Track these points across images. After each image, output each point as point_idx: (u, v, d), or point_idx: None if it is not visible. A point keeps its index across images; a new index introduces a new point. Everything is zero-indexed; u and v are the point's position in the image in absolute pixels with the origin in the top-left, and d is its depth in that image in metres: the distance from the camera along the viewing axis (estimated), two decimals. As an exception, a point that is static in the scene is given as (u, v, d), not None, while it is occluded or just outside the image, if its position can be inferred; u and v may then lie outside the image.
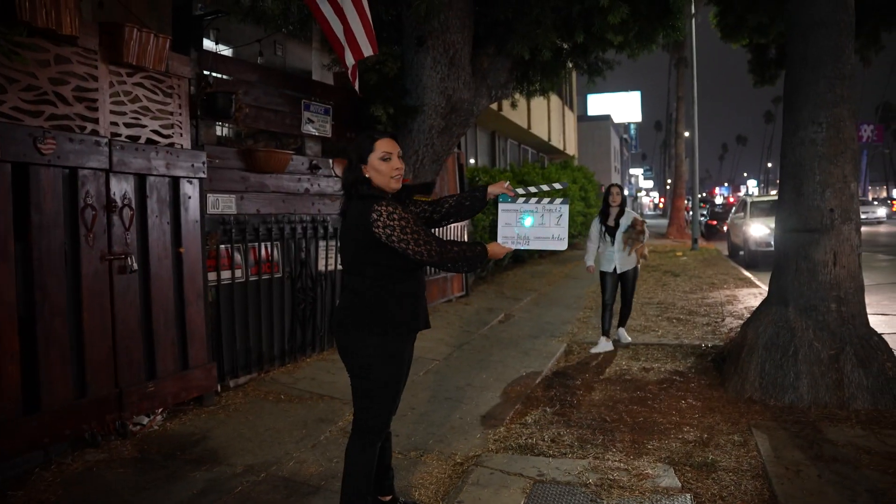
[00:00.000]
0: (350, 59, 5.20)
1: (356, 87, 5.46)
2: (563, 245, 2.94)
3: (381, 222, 2.63)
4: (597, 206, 21.07)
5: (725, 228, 20.42)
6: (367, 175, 2.78)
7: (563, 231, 2.97)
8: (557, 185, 3.23)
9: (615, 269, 6.75)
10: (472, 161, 16.78)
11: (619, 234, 6.72)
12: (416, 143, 7.14)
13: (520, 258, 15.14)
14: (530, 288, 11.42)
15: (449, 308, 9.10)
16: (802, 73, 4.98)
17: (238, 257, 5.51)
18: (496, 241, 2.99)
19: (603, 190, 29.92)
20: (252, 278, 5.66)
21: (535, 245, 2.97)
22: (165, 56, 4.71)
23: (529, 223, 2.93)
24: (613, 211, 6.85)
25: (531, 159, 24.12)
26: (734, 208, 19.69)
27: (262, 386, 5.44)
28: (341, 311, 2.75)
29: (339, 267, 6.53)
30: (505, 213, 3.00)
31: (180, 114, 5.00)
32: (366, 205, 2.66)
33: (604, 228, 6.80)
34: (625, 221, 6.78)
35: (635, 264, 6.80)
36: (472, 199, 3.07)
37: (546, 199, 2.98)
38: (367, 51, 5.24)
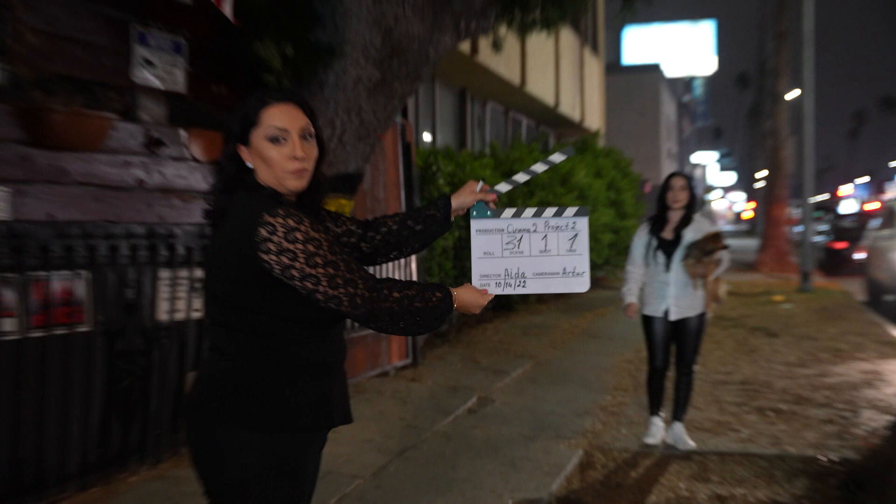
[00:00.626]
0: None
1: (226, 10, 4.59)
2: (582, 284, 2.56)
3: (275, 244, 2.18)
4: (635, 217, 17.08)
5: (862, 255, 16.31)
6: (248, 164, 2.37)
7: (581, 261, 2.54)
8: (557, 158, 2.70)
9: (667, 312, 5.56)
10: (426, 138, 13.75)
11: (679, 255, 5.51)
12: (330, 107, 5.88)
13: (505, 302, 12.20)
14: (521, 352, 9.35)
15: (384, 386, 7.48)
16: None
17: (9, 296, 4.49)
18: (470, 280, 2.62)
19: (646, 189, 23.05)
20: (34, 333, 4.62)
21: (535, 287, 2.56)
22: None
23: (525, 252, 2.57)
24: (674, 216, 5.57)
25: (526, 136, 19.09)
26: (878, 221, 15.90)
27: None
28: (201, 389, 2.37)
29: (200, 315, 5.49)
30: (482, 235, 2.56)
31: None
32: (249, 213, 2.26)
33: (655, 243, 5.57)
34: (691, 234, 5.53)
35: (702, 310, 5.59)
36: (425, 220, 2.62)
37: (551, 211, 2.59)
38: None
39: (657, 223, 5.58)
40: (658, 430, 5.77)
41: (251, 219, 2.21)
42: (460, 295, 2.40)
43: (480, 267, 2.56)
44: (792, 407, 6.81)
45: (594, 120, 22.14)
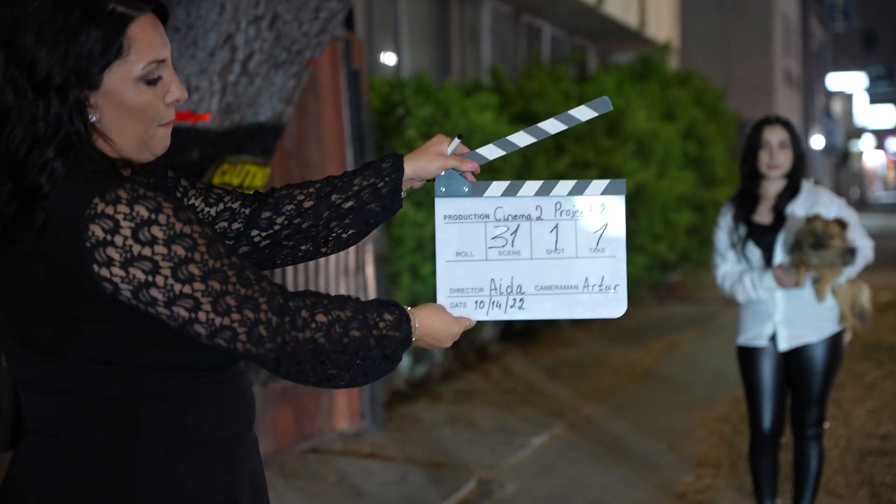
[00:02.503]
0: None
1: None
2: (616, 304, 1.86)
3: (119, 249, 1.48)
4: (730, 184, 13.11)
5: None
6: (91, 117, 1.56)
7: (614, 267, 1.87)
8: (583, 113, 1.88)
9: (775, 337, 4.12)
10: (388, 59, 10.23)
11: (782, 243, 4.08)
12: (226, 13, 3.80)
13: (518, 325, 8.72)
14: (548, 407, 7.09)
15: (325, 467, 5.54)
16: None
17: None
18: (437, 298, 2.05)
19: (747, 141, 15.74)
20: None
21: (539, 309, 1.87)
22: None
23: (523, 252, 1.94)
24: (772, 186, 4.09)
25: (551, 54, 14.42)
26: None
27: None
28: (15, 494, 1.67)
29: None
30: (453, 224, 1.89)
31: None
32: (71, 201, 1.51)
33: (744, 230, 4.14)
34: (802, 212, 4.12)
35: (835, 329, 4.08)
36: (360, 194, 1.86)
37: (566, 186, 1.89)
38: None
39: (745, 202, 4.11)
40: None
41: (74, 210, 1.49)
42: (423, 318, 1.67)
43: (451, 276, 1.87)
44: None
45: (662, 27, 16.09)
